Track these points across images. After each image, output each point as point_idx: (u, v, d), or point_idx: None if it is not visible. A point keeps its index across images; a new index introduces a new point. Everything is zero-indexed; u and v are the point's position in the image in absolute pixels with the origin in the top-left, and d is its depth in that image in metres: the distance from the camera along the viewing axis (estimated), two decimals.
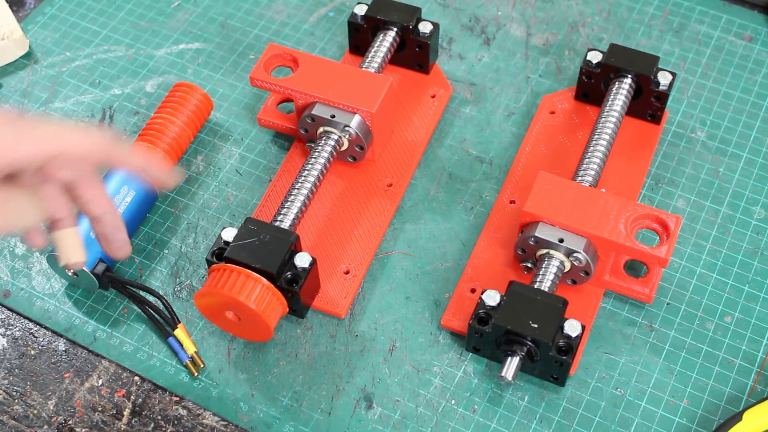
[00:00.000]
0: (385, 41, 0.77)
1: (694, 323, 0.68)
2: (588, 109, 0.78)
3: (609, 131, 0.71)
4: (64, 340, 0.69)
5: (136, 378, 0.67)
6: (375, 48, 0.77)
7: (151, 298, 0.69)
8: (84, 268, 0.67)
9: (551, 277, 0.65)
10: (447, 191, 0.75)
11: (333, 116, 0.71)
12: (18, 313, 0.70)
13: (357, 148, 0.73)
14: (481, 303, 0.64)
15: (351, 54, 0.81)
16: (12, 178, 0.52)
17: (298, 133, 0.75)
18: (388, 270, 0.71)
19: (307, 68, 0.73)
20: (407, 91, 0.79)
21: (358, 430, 0.64)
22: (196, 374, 0.66)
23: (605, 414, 0.64)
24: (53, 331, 0.69)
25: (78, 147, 0.52)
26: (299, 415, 0.65)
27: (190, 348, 0.66)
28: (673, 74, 0.73)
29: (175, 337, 0.67)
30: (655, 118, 0.76)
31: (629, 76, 0.74)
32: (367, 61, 0.76)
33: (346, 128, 0.71)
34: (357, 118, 0.71)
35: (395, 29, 0.77)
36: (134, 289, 0.69)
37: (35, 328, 0.69)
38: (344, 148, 0.73)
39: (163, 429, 0.65)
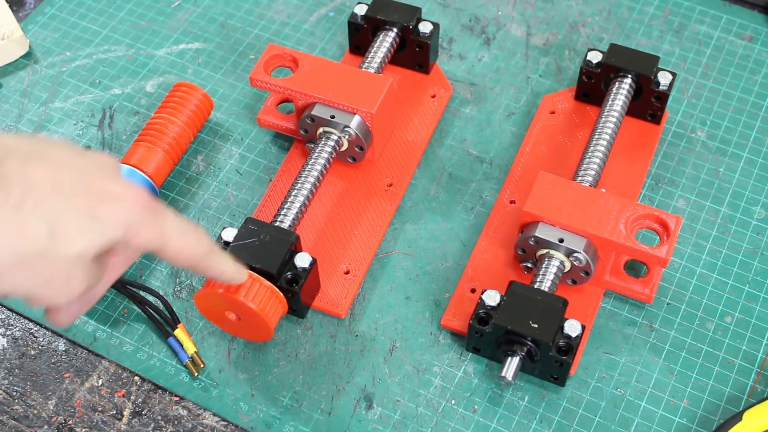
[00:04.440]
0: (385, 41, 0.77)
1: (694, 323, 0.68)
2: (588, 109, 0.78)
3: (609, 131, 0.71)
4: (64, 340, 0.69)
5: (136, 378, 0.67)
6: (375, 48, 0.77)
7: (151, 298, 0.69)
8: None
9: (551, 277, 0.65)
10: (447, 191, 0.75)
11: (333, 117, 0.71)
12: (18, 313, 0.70)
13: (357, 149, 0.73)
14: (481, 303, 0.64)
15: (351, 54, 0.81)
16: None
17: (298, 134, 0.75)
18: (389, 270, 0.71)
19: (307, 68, 0.73)
20: (407, 91, 0.79)
21: (358, 430, 0.64)
22: (196, 374, 0.66)
23: (605, 414, 0.64)
24: (53, 331, 0.69)
25: (182, 252, 0.52)
26: (299, 415, 0.65)
27: (190, 348, 0.66)
28: (674, 74, 0.73)
29: (175, 337, 0.67)
30: (656, 118, 0.76)
31: (629, 76, 0.74)
32: (367, 61, 0.76)
33: (346, 129, 0.71)
34: (357, 119, 0.71)
35: (395, 29, 0.77)
36: (134, 289, 0.69)
37: (35, 328, 0.69)
38: (344, 148, 0.73)
39: (163, 429, 0.65)
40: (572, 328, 0.62)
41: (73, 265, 0.47)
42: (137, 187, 0.49)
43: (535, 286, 0.64)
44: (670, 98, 0.79)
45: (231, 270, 0.57)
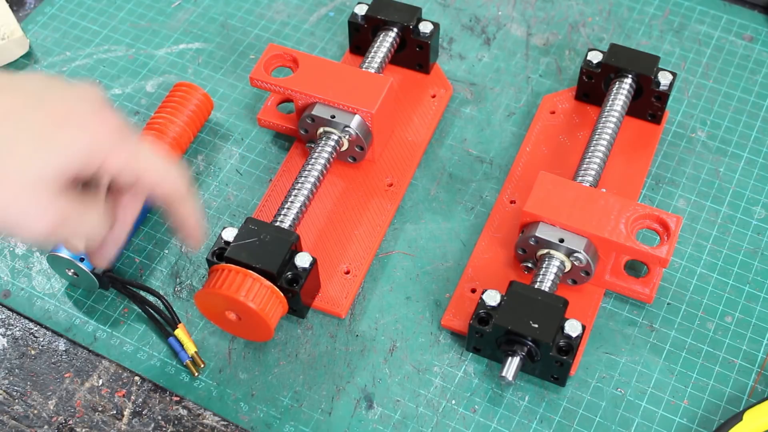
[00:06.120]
0: (386, 41, 0.77)
1: (694, 323, 0.68)
2: (588, 109, 0.78)
3: (609, 131, 0.71)
4: (65, 340, 0.69)
5: (137, 378, 0.67)
6: (375, 48, 0.77)
7: (151, 298, 0.69)
8: (84, 268, 0.67)
9: (552, 277, 0.65)
10: (447, 191, 0.75)
11: (333, 117, 0.71)
12: (18, 313, 0.70)
13: (357, 149, 0.73)
14: (481, 303, 0.64)
15: (351, 54, 0.81)
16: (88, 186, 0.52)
17: (298, 134, 0.75)
18: (389, 270, 0.71)
19: (307, 68, 0.73)
20: (407, 91, 0.79)
21: (358, 430, 0.64)
22: (196, 374, 0.66)
23: (606, 414, 0.64)
24: (53, 331, 0.69)
25: (161, 184, 0.54)
26: (299, 415, 0.65)
27: (191, 348, 0.66)
28: (674, 74, 0.73)
29: (176, 337, 0.67)
30: (656, 118, 0.76)
31: (630, 76, 0.74)
32: (367, 61, 0.76)
33: (346, 129, 0.71)
34: (357, 119, 0.71)
35: (395, 29, 0.77)
36: (134, 289, 0.69)
37: (35, 328, 0.69)
38: (344, 148, 0.73)
39: (164, 429, 0.65)
40: (572, 328, 0.62)
41: (35, 189, 0.47)
42: (107, 112, 0.50)
43: (536, 286, 0.64)
44: (671, 98, 0.79)
45: (196, 224, 0.57)
